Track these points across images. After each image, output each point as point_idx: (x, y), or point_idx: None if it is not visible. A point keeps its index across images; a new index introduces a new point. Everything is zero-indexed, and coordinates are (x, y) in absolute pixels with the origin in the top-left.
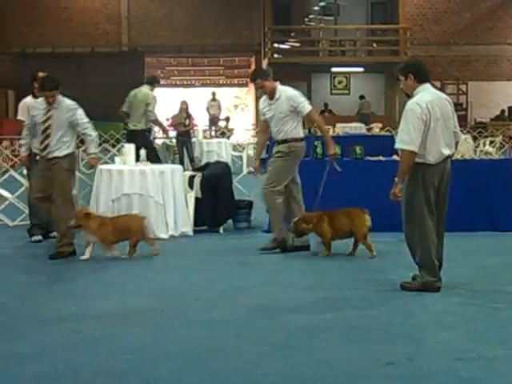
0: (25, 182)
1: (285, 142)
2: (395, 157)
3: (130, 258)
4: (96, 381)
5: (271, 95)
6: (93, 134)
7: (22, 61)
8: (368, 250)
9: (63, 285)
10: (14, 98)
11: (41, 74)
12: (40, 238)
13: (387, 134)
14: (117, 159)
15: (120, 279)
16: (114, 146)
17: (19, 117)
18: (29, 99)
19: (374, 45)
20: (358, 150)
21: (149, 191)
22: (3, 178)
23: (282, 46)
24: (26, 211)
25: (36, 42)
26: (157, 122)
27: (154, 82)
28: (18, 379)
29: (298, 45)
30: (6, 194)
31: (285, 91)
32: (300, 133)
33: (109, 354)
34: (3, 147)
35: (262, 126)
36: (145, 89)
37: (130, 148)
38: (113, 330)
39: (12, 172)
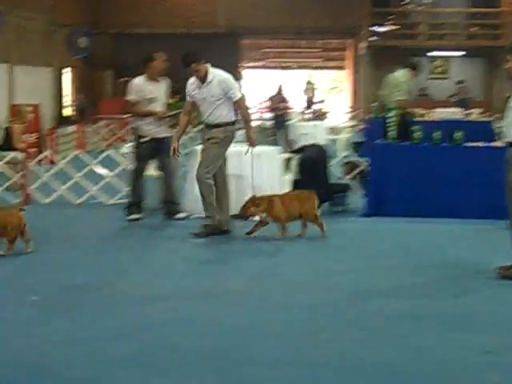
0: (122, 160)
1: (218, 126)
2: (495, 143)
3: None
4: (196, 360)
5: (203, 78)
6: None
7: (120, 42)
8: (320, 229)
9: (159, 263)
10: (111, 78)
11: (156, 55)
12: (137, 216)
13: (486, 119)
14: None
15: (213, 257)
16: None
17: (129, 97)
18: (138, 80)
19: (474, 29)
20: (457, 135)
21: (245, 172)
22: (101, 156)
23: (379, 29)
24: (124, 190)
25: (133, 23)
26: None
27: None
28: (116, 356)
29: (396, 28)
30: (103, 171)
31: (218, 75)
32: (233, 117)
33: (205, 334)
34: (101, 126)
35: (187, 107)
36: None
37: None
38: (208, 309)
39: (109, 151)
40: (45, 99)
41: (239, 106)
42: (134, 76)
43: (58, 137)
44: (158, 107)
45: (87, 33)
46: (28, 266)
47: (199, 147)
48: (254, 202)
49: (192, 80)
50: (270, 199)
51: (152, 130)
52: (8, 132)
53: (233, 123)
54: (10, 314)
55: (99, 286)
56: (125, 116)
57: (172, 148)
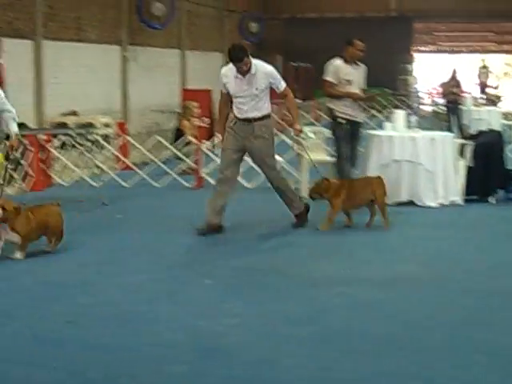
0: (296, 147)
1: (261, 119)
2: None
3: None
4: (365, 344)
5: (246, 71)
6: None
7: (290, 26)
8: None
9: (333, 247)
10: (281, 63)
11: (355, 41)
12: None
13: None
14: (387, 125)
15: (388, 245)
16: (380, 112)
17: (326, 77)
18: (336, 61)
19: None
20: None
21: (419, 158)
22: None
23: None
24: (295, 175)
25: (304, 8)
26: None
27: None
28: (294, 339)
29: None
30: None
31: (261, 66)
32: (270, 109)
33: (380, 319)
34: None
35: (225, 98)
36: None
37: (400, 114)
38: (383, 294)
39: (283, 136)
40: (216, 84)
41: (286, 96)
42: (304, 61)
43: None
44: (355, 90)
45: (258, 18)
46: (203, 250)
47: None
48: (321, 186)
49: (227, 71)
50: (338, 186)
51: (348, 112)
52: (179, 129)
53: (270, 116)
54: (188, 296)
55: (275, 269)
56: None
57: (218, 140)
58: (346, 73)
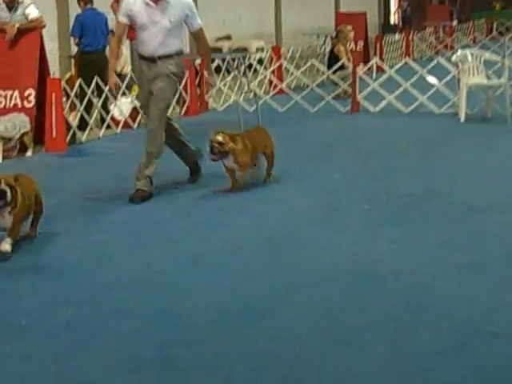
0: (453, 69)
1: (169, 56)
2: None
3: None
4: None
5: None
6: None
7: None
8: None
9: (490, 173)
10: None
11: None
12: None
13: None
14: None
15: None
16: None
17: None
18: None
19: None
20: None
21: None
22: (431, 65)
23: None
24: (453, 99)
25: None
26: None
27: None
28: (453, 266)
29: None
30: (433, 80)
31: None
32: (181, 47)
33: None
34: (427, 33)
35: (120, 30)
36: None
37: None
38: None
39: (439, 59)
40: (371, 7)
41: (199, 38)
42: None
43: (385, 44)
44: None
45: None
46: (360, 175)
47: None
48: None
49: None
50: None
51: None
52: (333, 53)
53: (182, 54)
54: (346, 221)
55: (433, 194)
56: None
57: (112, 83)
58: None
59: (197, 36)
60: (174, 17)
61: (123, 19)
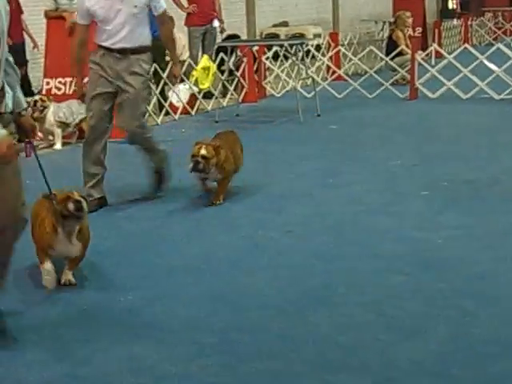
0: None
1: (140, 52)
2: None
3: None
4: None
5: None
6: None
7: None
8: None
9: None
10: None
11: None
12: None
13: None
14: None
15: None
16: None
17: None
18: None
19: None
20: None
21: None
22: (490, 50)
23: None
24: None
25: None
26: None
27: None
28: None
29: None
30: (493, 65)
31: None
32: (150, 39)
33: None
34: (486, 19)
35: (82, 34)
36: None
37: None
38: None
39: (499, 44)
40: None
41: (164, 20)
42: None
43: (444, 30)
44: None
45: None
46: (419, 162)
47: None
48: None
49: None
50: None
51: None
52: (392, 39)
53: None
54: (405, 207)
55: (492, 181)
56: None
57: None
58: None
59: (161, 20)
60: (138, 1)
61: (82, 21)
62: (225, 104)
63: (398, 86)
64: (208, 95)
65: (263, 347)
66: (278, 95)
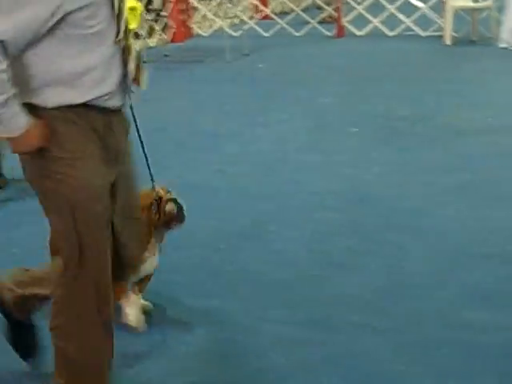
0: None
1: None
2: None
3: None
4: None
5: None
6: None
7: None
8: None
9: (478, 96)
10: None
11: None
12: None
13: None
14: None
15: None
16: None
17: None
18: None
19: None
20: None
21: None
22: None
23: None
24: (439, 22)
25: None
26: None
27: None
28: (443, 188)
29: None
30: (418, 3)
31: None
32: None
33: None
34: None
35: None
36: None
37: None
38: None
39: None
40: None
41: None
42: None
43: None
44: None
45: None
46: (347, 99)
47: None
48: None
49: None
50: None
51: None
52: None
53: None
54: (335, 144)
55: (420, 118)
56: None
57: None
58: None
59: None
60: None
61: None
62: (152, 44)
63: (325, 24)
64: (134, 35)
65: (197, 286)
66: (206, 35)
